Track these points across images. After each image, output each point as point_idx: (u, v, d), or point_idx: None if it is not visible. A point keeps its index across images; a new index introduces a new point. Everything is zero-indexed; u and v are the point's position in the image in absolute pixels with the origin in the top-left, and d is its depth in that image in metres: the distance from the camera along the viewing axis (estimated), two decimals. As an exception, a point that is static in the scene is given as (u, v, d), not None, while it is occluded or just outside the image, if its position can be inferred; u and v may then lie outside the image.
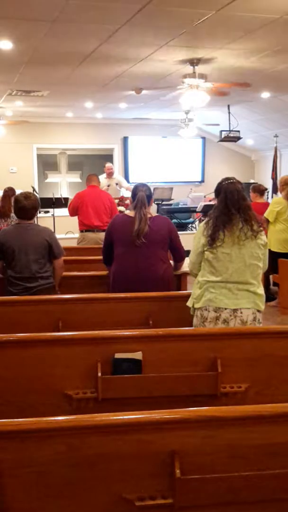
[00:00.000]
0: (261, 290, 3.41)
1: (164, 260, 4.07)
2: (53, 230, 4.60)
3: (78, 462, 1.88)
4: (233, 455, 1.95)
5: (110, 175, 9.96)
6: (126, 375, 2.78)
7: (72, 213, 7.19)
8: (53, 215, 10.54)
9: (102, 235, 6.43)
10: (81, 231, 7.08)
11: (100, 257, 4.34)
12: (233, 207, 3.34)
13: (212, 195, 13.92)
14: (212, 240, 3.33)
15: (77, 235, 7.43)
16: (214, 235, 3.34)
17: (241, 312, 3.32)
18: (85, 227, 7.02)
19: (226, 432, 1.95)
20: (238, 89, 8.43)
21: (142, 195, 4.00)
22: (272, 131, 11.73)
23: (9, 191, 7.31)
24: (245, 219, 3.34)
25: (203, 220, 11.57)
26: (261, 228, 3.42)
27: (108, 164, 10.10)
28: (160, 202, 11.77)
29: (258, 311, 3.38)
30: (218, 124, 11.49)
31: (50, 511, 1.89)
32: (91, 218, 6.94)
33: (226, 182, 3.44)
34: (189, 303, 3.49)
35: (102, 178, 9.61)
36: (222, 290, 3.33)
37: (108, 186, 9.65)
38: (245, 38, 5.88)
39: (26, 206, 4.27)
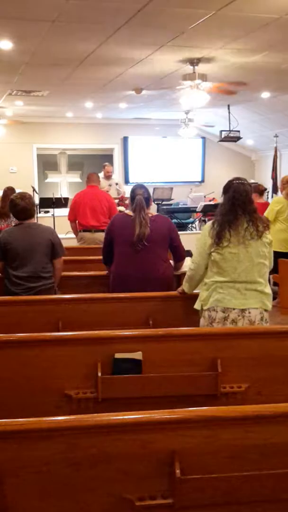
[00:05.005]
0: (268, 289, 3.41)
1: (164, 259, 4.07)
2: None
3: (78, 462, 1.88)
4: (233, 455, 1.95)
5: (108, 177, 9.96)
6: (126, 375, 2.78)
7: (71, 217, 7.17)
8: (53, 215, 10.54)
9: (99, 235, 6.45)
10: (79, 231, 7.09)
11: (100, 257, 4.34)
12: (240, 207, 3.34)
13: (212, 195, 13.85)
14: (219, 239, 3.33)
15: (77, 235, 7.43)
16: (220, 234, 3.33)
17: (249, 312, 3.32)
18: (82, 227, 7.03)
19: (226, 432, 1.95)
20: (238, 89, 8.43)
21: (140, 199, 3.97)
22: (272, 131, 11.73)
23: (9, 191, 7.29)
24: (251, 220, 3.35)
25: (203, 220, 11.58)
26: (267, 228, 3.42)
27: (108, 167, 10.08)
28: (160, 202, 11.77)
29: (266, 310, 3.38)
30: (213, 126, 11.50)
31: (50, 511, 1.89)
32: (87, 218, 6.94)
33: (237, 181, 3.42)
34: (197, 306, 3.47)
35: (101, 178, 9.62)
36: (230, 290, 3.33)
37: (109, 186, 9.67)
38: (245, 38, 5.88)
39: (26, 206, 4.28)
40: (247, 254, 3.32)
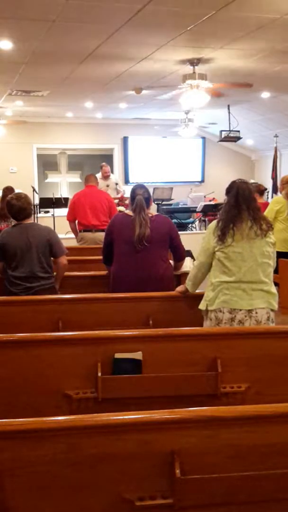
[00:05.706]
0: (274, 289, 3.44)
1: (164, 259, 4.06)
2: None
3: (78, 462, 1.88)
4: (233, 455, 1.94)
5: (106, 178, 9.97)
6: (126, 375, 2.78)
7: (70, 217, 7.18)
8: (53, 215, 10.54)
9: (99, 235, 6.44)
10: (80, 231, 7.09)
11: (100, 257, 4.34)
12: (244, 203, 3.37)
13: (212, 195, 13.82)
14: (223, 235, 3.34)
15: (77, 235, 7.42)
16: (224, 230, 3.34)
17: (256, 312, 3.33)
18: (82, 227, 7.03)
19: (226, 432, 1.95)
20: (238, 89, 8.43)
21: (140, 199, 3.96)
22: (272, 131, 11.73)
23: (8, 191, 7.27)
24: (254, 217, 3.37)
25: (203, 220, 11.58)
26: (271, 228, 3.44)
27: (105, 167, 10.07)
28: (160, 202, 11.77)
29: (272, 310, 3.40)
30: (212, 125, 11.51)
31: (50, 511, 1.89)
32: (88, 217, 6.94)
33: (240, 180, 3.49)
34: (201, 306, 3.47)
35: (99, 178, 9.61)
36: (237, 291, 3.34)
37: (107, 186, 9.66)
38: (245, 38, 5.88)
39: (22, 206, 4.27)
40: (251, 253, 3.34)
